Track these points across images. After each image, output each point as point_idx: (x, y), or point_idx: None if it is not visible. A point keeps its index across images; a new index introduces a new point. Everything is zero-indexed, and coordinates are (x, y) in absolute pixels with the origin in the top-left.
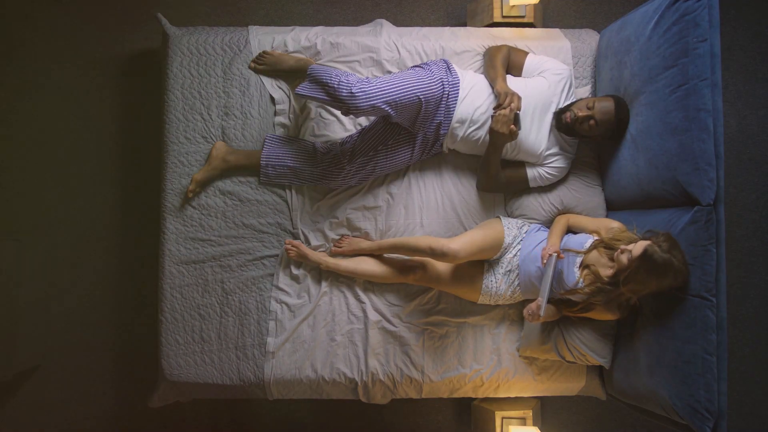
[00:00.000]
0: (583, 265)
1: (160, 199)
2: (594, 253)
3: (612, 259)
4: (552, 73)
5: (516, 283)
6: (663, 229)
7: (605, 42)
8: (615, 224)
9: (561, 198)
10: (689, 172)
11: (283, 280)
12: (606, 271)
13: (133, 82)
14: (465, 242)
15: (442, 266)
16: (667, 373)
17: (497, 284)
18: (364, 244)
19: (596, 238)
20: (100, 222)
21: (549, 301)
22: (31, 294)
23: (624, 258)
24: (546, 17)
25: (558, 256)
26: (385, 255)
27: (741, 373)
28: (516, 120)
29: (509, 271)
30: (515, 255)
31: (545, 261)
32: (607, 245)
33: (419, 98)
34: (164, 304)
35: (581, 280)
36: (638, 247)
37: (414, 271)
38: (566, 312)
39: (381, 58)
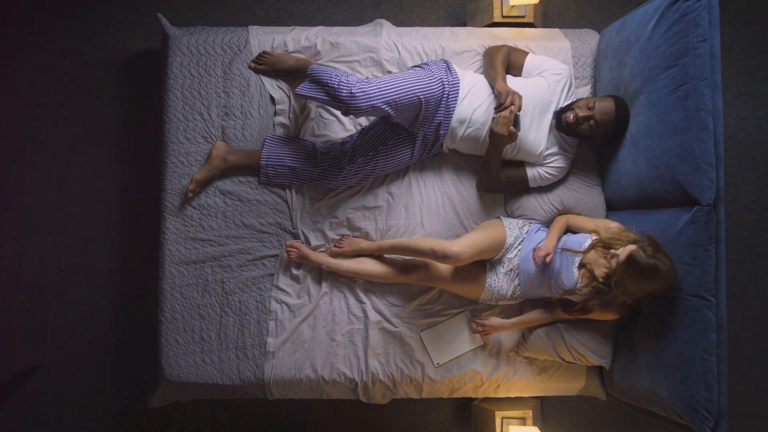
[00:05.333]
0: (581, 265)
1: (160, 199)
2: (592, 253)
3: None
4: (552, 73)
5: (516, 282)
6: (663, 228)
7: (605, 42)
8: (613, 224)
9: (561, 198)
10: (689, 172)
11: (283, 280)
12: (600, 271)
13: (133, 82)
14: (467, 244)
15: (443, 266)
16: (667, 373)
17: (499, 284)
18: (365, 244)
19: (595, 237)
20: (100, 222)
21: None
22: (31, 294)
23: (613, 262)
24: (546, 17)
25: (545, 260)
26: (386, 255)
27: (741, 373)
28: (516, 122)
29: (510, 270)
30: (515, 255)
31: (537, 262)
32: (605, 245)
33: (419, 98)
34: (164, 304)
35: (579, 280)
36: (624, 252)
37: (416, 270)
38: (565, 315)
39: (381, 58)
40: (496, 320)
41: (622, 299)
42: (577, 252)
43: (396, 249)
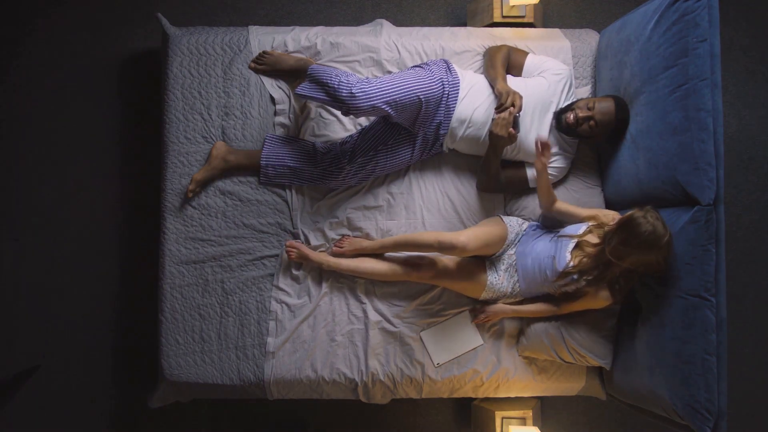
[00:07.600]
0: (576, 246)
1: (160, 199)
2: (588, 236)
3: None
4: (552, 73)
5: (515, 278)
6: None
7: (605, 42)
8: (611, 212)
9: (560, 198)
10: (689, 172)
11: (283, 280)
12: (593, 239)
13: (133, 82)
14: (472, 236)
15: (445, 263)
16: (667, 373)
17: (499, 281)
18: (366, 243)
19: (592, 223)
20: (100, 222)
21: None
22: (31, 294)
23: (613, 223)
24: (546, 17)
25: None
26: (387, 254)
27: (741, 373)
28: (515, 123)
29: (509, 266)
30: (514, 252)
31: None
32: (601, 227)
33: (419, 98)
34: (164, 304)
35: (572, 261)
36: (626, 215)
37: (417, 268)
38: (564, 307)
39: (381, 58)
40: (497, 306)
41: (614, 266)
42: (573, 237)
43: (399, 245)
